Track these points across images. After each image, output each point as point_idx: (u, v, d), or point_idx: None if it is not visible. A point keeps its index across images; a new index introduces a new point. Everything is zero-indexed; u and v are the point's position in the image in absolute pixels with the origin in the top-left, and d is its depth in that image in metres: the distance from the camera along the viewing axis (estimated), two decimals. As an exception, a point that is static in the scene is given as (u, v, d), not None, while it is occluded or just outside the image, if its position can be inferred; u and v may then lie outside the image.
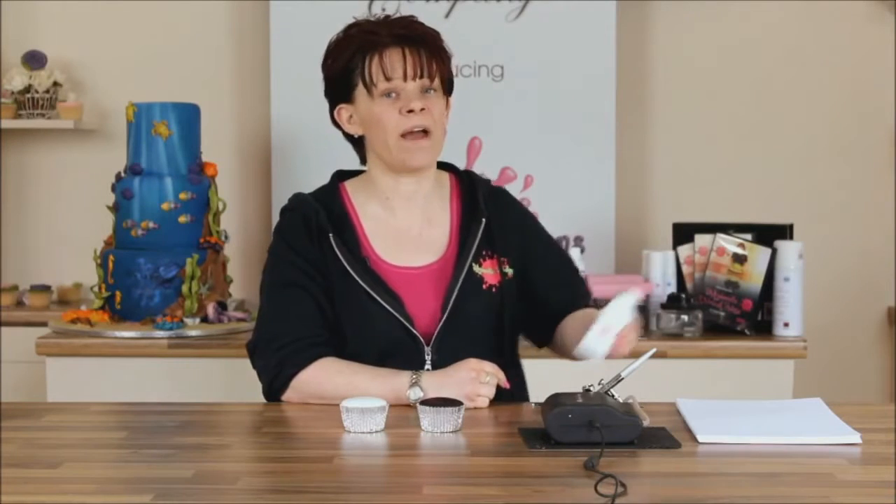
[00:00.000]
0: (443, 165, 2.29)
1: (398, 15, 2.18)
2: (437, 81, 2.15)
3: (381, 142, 2.15)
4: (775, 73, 3.97)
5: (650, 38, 3.97)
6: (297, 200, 2.22)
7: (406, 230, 2.20)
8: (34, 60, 3.89)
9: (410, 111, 2.11)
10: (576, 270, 2.32)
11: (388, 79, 2.11)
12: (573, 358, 2.12)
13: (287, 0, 3.77)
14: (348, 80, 2.15)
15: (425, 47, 2.13)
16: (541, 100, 3.76)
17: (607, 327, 1.94)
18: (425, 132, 2.13)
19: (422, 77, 2.12)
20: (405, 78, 2.11)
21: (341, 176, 2.27)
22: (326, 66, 2.19)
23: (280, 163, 3.83)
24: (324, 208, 2.17)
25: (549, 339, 2.25)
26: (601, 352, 1.94)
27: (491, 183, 2.31)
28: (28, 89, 3.87)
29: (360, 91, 2.14)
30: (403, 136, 2.13)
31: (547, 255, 2.26)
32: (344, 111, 2.19)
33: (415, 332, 2.10)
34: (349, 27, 2.18)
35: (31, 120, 3.89)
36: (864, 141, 3.96)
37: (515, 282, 2.19)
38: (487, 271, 2.17)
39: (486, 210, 2.19)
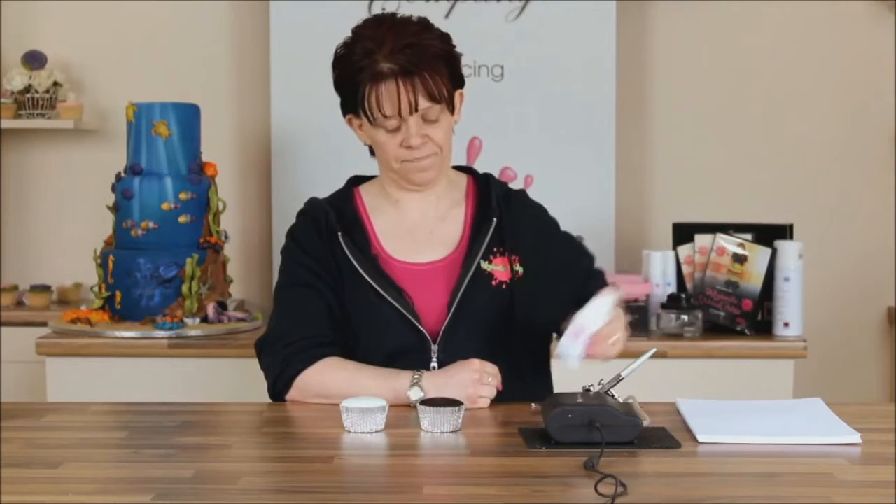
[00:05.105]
0: (463, 169, 2.30)
1: (404, 23, 2.10)
2: (438, 104, 2.09)
3: (385, 162, 2.17)
4: (775, 73, 3.97)
5: (650, 38, 3.97)
6: (311, 204, 2.24)
7: (418, 226, 2.21)
8: (34, 60, 3.89)
9: (410, 146, 2.11)
10: (593, 263, 2.31)
11: (385, 116, 2.08)
12: None
13: (287, 0, 3.77)
14: (353, 97, 2.12)
15: (423, 74, 2.06)
16: (541, 100, 3.76)
17: (579, 329, 1.91)
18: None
19: (418, 111, 2.07)
20: (402, 113, 2.07)
21: (356, 181, 2.29)
22: (334, 75, 2.16)
23: (280, 163, 3.83)
24: (336, 210, 2.18)
25: None
26: (574, 355, 1.90)
27: (509, 185, 2.30)
28: (28, 89, 3.87)
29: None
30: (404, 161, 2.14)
31: (564, 253, 2.26)
32: (354, 120, 2.17)
33: (422, 329, 2.11)
34: (353, 36, 2.12)
35: (31, 120, 3.89)
36: (864, 141, 3.96)
37: (529, 281, 2.18)
38: (497, 268, 2.17)
39: (498, 209, 2.19)
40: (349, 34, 2.14)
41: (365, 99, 2.09)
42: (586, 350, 1.91)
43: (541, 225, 2.27)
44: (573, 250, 2.29)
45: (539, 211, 2.29)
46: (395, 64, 2.05)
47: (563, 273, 2.22)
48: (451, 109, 2.14)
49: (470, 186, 2.27)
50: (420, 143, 2.11)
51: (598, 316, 1.92)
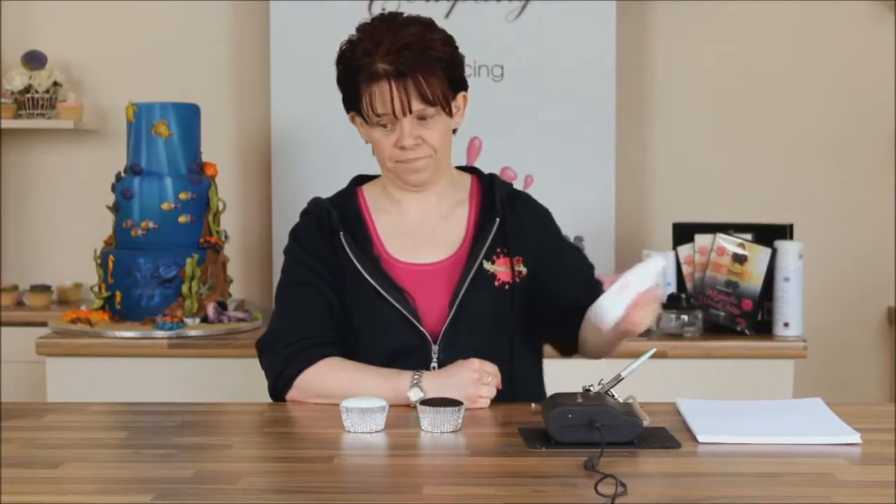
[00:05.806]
0: (467, 169, 2.30)
1: (405, 23, 2.09)
2: (432, 107, 2.08)
3: (381, 161, 2.18)
4: (775, 73, 3.97)
5: (650, 39, 3.97)
6: (314, 203, 2.24)
7: (420, 227, 2.20)
8: (34, 60, 3.89)
9: (403, 147, 2.11)
10: (593, 272, 2.30)
11: (378, 115, 2.09)
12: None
13: (287, 0, 3.77)
14: (353, 95, 2.13)
15: (416, 76, 2.06)
16: (541, 100, 3.76)
17: (627, 284, 1.88)
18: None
19: (411, 112, 2.07)
20: (395, 114, 2.08)
21: (360, 180, 2.29)
22: (337, 72, 2.16)
23: (280, 163, 3.83)
24: (338, 210, 2.19)
25: (574, 343, 2.21)
26: (616, 310, 1.88)
27: (513, 186, 2.30)
28: (28, 89, 3.87)
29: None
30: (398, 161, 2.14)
31: (567, 256, 2.25)
32: (357, 118, 2.18)
33: (422, 329, 2.11)
34: (357, 34, 2.12)
35: (31, 120, 3.89)
36: (863, 141, 3.96)
37: (531, 282, 2.18)
38: (500, 269, 2.16)
39: (501, 210, 2.19)
40: (355, 31, 2.14)
41: (362, 98, 2.10)
42: (626, 310, 1.89)
43: (545, 227, 2.26)
44: (576, 256, 2.29)
45: (543, 213, 2.29)
46: (390, 65, 2.06)
47: (565, 277, 2.21)
48: (449, 112, 2.14)
49: (474, 186, 2.27)
50: (413, 145, 2.11)
51: (646, 277, 1.90)
